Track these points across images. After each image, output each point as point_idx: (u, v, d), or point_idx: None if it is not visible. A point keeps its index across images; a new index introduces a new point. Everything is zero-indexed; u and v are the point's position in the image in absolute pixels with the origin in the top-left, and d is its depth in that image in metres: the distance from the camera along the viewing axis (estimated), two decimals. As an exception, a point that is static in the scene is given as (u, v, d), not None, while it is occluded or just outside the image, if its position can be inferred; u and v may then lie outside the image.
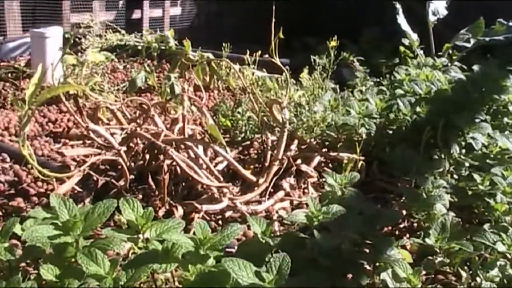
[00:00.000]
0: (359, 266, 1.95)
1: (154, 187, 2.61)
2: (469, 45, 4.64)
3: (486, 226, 2.37)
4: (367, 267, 1.98)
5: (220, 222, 2.53)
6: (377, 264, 1.96)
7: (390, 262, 1.89)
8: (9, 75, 4.35)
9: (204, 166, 2.65)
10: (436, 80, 3.44)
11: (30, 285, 1.56)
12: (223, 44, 4.57)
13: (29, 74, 4.38)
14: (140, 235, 1.80)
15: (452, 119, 3.05)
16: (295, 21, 7.50)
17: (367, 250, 1.99)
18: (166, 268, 1.59)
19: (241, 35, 6.58)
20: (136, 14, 6.17)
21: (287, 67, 3.52)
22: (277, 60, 2.90)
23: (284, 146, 2.87)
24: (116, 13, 5.97)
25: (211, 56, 4.52)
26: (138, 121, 2.84)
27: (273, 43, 2.87)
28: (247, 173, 2.70)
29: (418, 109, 3.18)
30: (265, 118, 3.08)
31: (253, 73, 4.68)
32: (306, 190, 2.90)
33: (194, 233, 1.89)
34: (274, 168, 2.75)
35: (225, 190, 2.49)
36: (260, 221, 1.95)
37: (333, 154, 3.09)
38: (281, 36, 2.87)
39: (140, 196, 2.54)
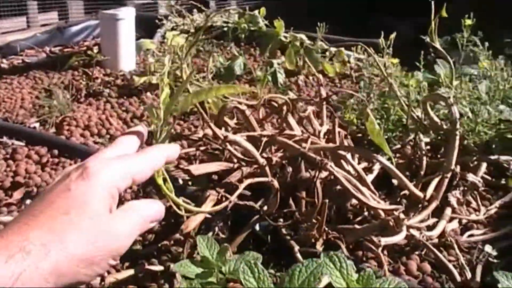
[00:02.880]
0: None
1: (294, 208, 2.06)
2: None
3: None
4: None
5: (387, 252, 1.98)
6: None
7: None
8: (78, 62, 3.82)
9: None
10: None
11: None
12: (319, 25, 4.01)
13: (100, 61, 3.85)
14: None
15: None
16: (371, -1, 6.93)
17: None
18: None
19: (317, 15, 6.01)
20: (203, -8, 5.63)
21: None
22: (437, 44, 2.31)
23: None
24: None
25: (303, 37, 3.99)
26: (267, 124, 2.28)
27: (432, 22, 2.29)
28: (415, 189, 2.13)
29: None
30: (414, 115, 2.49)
31: (349, 56, 4.15)
32: (474, 205, 2.33)
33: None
34: (445, 181, 2.18)
35: (402, 216, 1.92)
36: (509, 277, 1.38)
37: (493, 157, 2.51)
38: (444, 14, 2.29)
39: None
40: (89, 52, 3.65)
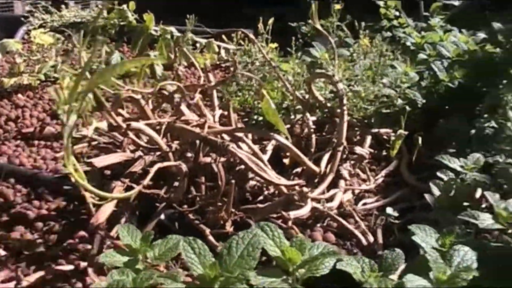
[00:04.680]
0: None
1: (194, 192, 2.08)
2: (456, 3, 4.31)
3: None
4: None
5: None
6: None
7: None
8: None
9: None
10: (462, 42, 3.08)
11: None
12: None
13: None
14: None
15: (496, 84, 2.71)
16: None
17: None
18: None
19: (177, 8, 5.98)
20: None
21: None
22: (318, 26, 2.40)
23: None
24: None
25: (174, 30, 3.98)
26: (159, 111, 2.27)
27: (313, 6, 2.38)
28: (312, 164, 2.21)
29: (456, 74, 2.79)
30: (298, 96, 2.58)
31: (219, 47, 4.19)
32: (363, 176, 2.46)
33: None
34: (338, 155, 2.28)
35: (305, 189, 1.98)
36: (426, 230, 1.48)
37: (374, 130, 2.66)
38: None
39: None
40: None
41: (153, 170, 1.72)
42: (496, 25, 3.22)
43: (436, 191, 1.91)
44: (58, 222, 2.05)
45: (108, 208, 1.77)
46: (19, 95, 3.32)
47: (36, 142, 2.77)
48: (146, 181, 1.68)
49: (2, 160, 2.54)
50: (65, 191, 2.22)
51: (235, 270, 1.20)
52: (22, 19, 3.60)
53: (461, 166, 1.90)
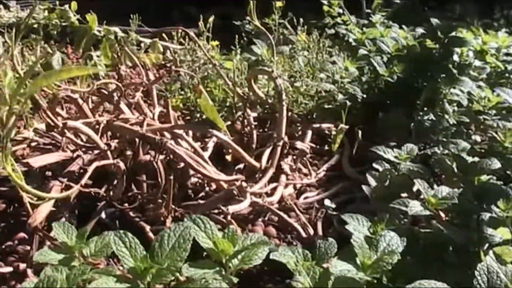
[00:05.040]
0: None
1: (135, 190, 2.08)
2: (397, 0, 4.39)
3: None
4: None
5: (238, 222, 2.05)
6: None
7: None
8: None
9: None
10: (401, 37, 3.14)
11: None
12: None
13: None
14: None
15: (434, 77, 2.78)
16: (173, -11, 6.93)
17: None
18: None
19: (121, 8, 5.91)
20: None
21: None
22: (256, 22, 2.43)
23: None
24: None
25: (117, 30, 3.95)
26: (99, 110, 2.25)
27: (251, 3, 2.40)
28: (252, 160, 2.23)
29: (395, 69, 2.84)
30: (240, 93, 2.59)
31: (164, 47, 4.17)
32: (305, 171, 2.49)
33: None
34: (278, 150, 2.30)
35: (244, 184, 2.00)
36: (359, 219, 1.51)
37: (315, 126, 2.70)
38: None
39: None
40: None
41: (90, 169, 1.72)
42: (435, 21, 3.30)
43: (373, 182, 1.95)
44: (-2, 224, 2.03)
45: (45, 208, 1.74)
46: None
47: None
48: (84, 180, 1.67)
49: None
50: (5, 193, 2.19)
51: (166, 262, 1.21)
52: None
53: (395, 157, 1.95)
